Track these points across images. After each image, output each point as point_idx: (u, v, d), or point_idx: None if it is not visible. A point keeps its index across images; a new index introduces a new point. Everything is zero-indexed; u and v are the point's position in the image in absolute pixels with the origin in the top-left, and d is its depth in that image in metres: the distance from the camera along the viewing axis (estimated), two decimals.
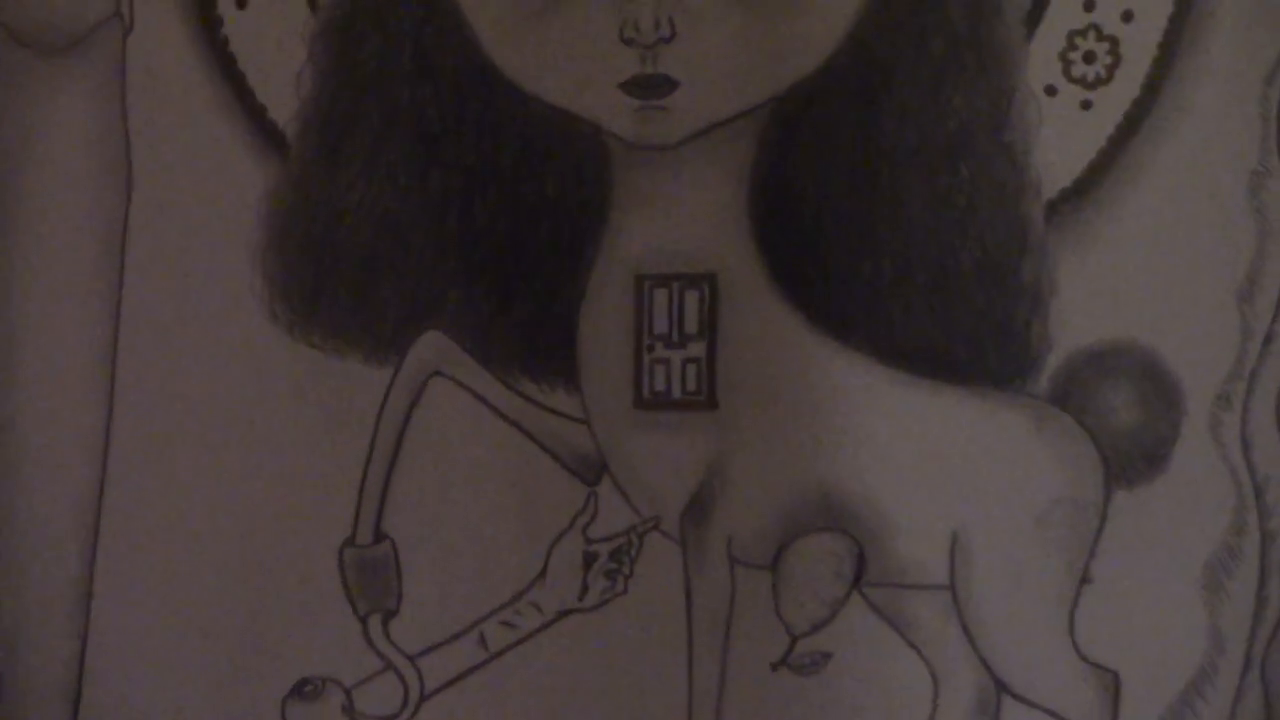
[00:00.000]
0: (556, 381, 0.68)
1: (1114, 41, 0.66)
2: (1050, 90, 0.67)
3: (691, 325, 0.67)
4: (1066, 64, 0.66)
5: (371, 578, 0.68)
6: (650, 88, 0.64)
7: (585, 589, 0.68)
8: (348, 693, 0.68)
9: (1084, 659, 0.67)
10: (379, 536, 0.68)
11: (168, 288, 0.68)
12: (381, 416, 0.68)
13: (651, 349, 0.67)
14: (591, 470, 0.68)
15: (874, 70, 0.65)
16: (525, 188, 0.67)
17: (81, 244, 0.68)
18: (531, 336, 0.68)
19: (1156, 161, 0.66)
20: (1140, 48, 0.66)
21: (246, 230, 0.67)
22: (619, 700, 0.68)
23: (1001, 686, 0.67)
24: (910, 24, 0.65)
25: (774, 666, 0.67)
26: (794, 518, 0.67)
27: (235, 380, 0.68)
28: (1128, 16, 0.66)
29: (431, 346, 0.68)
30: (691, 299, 0.67)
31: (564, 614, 0.68)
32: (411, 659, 0.69)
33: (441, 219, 0.67)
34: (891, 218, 0.66)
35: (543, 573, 0.68)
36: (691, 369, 0.67)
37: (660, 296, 0.67)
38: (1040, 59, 0.66)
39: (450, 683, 0.68)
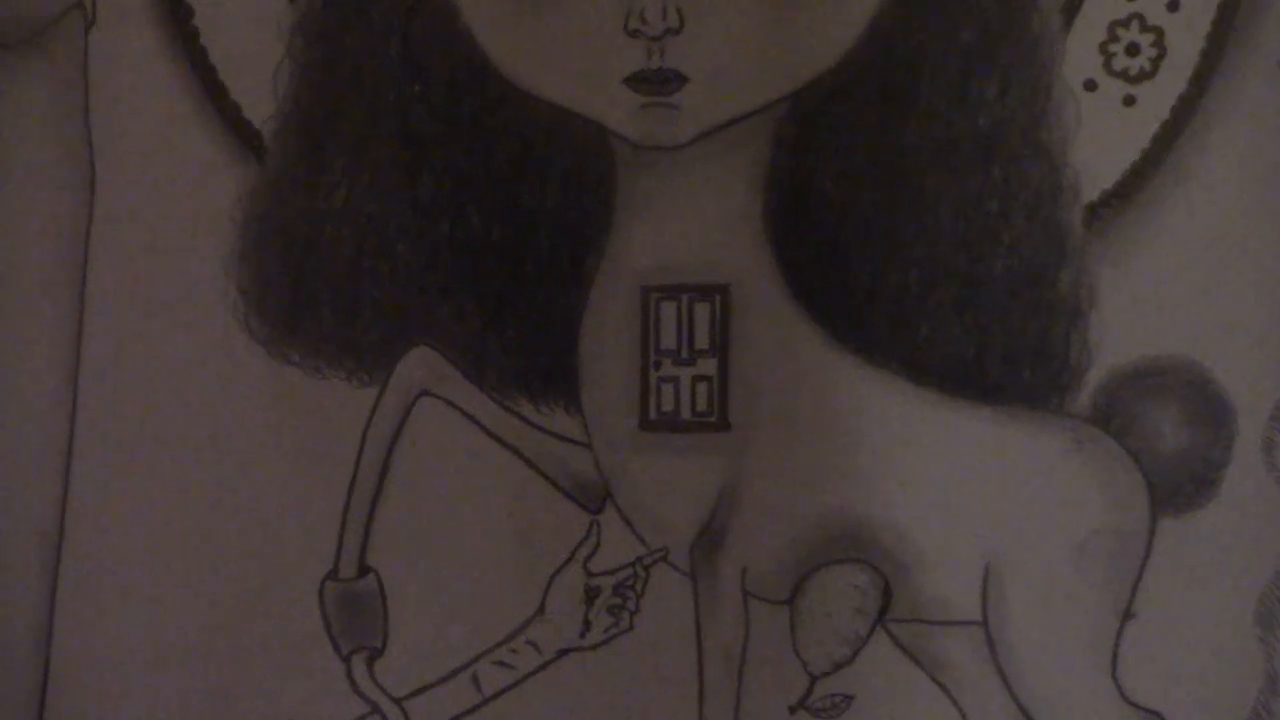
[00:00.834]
0: (556, 401, 0.67)
1: (1159, 32, 0.66)
2: (1090, 85, 0.66)
3: (702, 340, 0.66)
4: (1107, 57, 0.66)
5: (355, 614, 0.67)
6: (657, 83, 0.64)
7: (587, 626, 0.67)
8: None
9: (1127, 701, 0.66)
10: (363, 570, 0.68)
11: (133, 301, 0.68)
12: (366, 439, 0.67)
13: (658, 366, 0.66)
14: (594, 497, 0.67)
15: (898, 64, 0.65)
16: (522, 192, 0.66)
17: (38, 253, 0.68)
18: (529, 353, 0.67)
19: (1204, 162, 0.66)
20: (1187, 39, 0.66)
21: (219, 238, 0.67)
22: None
23: None
24: (937, 13, 0.64)
25: (792, 710, 0.66)
26: (813, 548, 0.66)
27: (207, 401, 0.68)
28: (1173, 5, 0.66)
29: (420, 363, 0.67)
30: (702, 312, 0.66)
31: (564, 653, 0.67)
32: (399, 702, 0.68)
33: (431, 226, 0.67)
34: (918, 224, 0.65)
35: (541, 608, 0.67)
36: (702, 388, 0.66)
37: (668, 310, 0.66)
38: (1079, 51, 0.65)
39: None
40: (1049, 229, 0.65)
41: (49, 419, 0.68)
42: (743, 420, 0.66)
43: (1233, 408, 0.66)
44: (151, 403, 0.68)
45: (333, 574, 0.67)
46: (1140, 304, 0.66)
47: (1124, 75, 0.66)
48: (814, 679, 0.66)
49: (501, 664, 0.67)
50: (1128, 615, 0.66)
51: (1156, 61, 0.66)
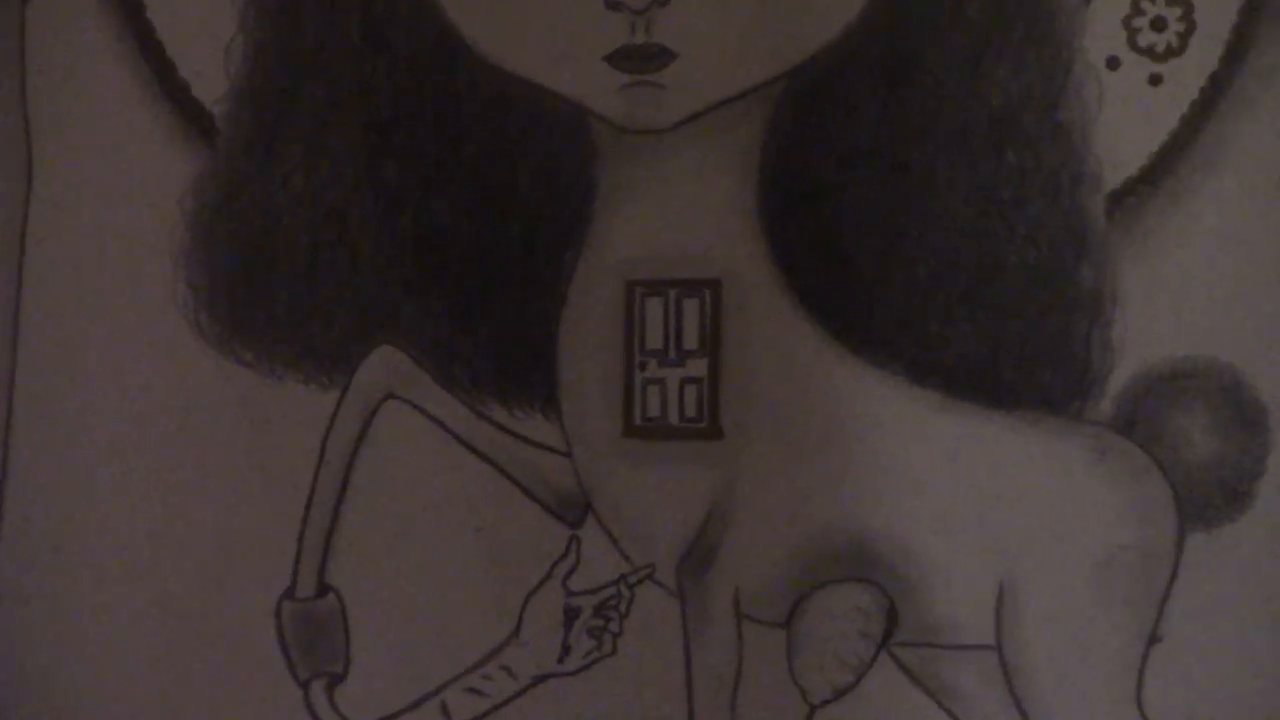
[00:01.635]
0: (532, 406, 0.67)
1: (1187, 5, 0.65)
2: (1113, 63, 0.65)
3: (691, 340, 0.65)
4: (1131, 32, 0.65)
5: (314, 636, 0.67)
6: (641, 60, 0.64)
7: (566, 650, 0.67)
8: None
9: None
10: (323, 589, 0.67)
11: (74, 296, 0.68)
12: (325, 447, 0.67)
13: (644, 368, 0.66)
14: (573, 510, 0.67)
15: (903, 38, 0.65)
16: (494, 180, 0.66)
17: None
18: (502, 353, 0.67)
19: (1237, 145, 0.65)
20: (1218, 12, 0.65)
21: (167, 229, 0.67)
22: None
23: None
24: None
25: None
26: (812, 566, 0.66)
27: (154, 404, 0.68)
28: None
29: (384, 364, 0.67)
30: (691, 309, 0.65)
31: (541, 679, 0.67)
32: None
33: (396, 216, 0.66)
34: (926, 214, 0.65)
35: (516, 631, 0.67)
36: (691, 391, 0.66)
37: (654, 306, 0.66)
38: (1101, 26, 0.65)
39: None
40: (1068, 219, 0.65)
41: None
42: (735, 426, 0.65)
43: (1267, 413, 0.65)
44: (93, 407, 0.68)
45: (290, 593, 0.67)
46: (1167, 301, 0.65)
47: (1149, 52, 0.65)
48: (813, 708, 0.65)
49: (473, 691, 0.66)
50: (1154, 638, 0.65)
51: (1185, 37, 0.65)
